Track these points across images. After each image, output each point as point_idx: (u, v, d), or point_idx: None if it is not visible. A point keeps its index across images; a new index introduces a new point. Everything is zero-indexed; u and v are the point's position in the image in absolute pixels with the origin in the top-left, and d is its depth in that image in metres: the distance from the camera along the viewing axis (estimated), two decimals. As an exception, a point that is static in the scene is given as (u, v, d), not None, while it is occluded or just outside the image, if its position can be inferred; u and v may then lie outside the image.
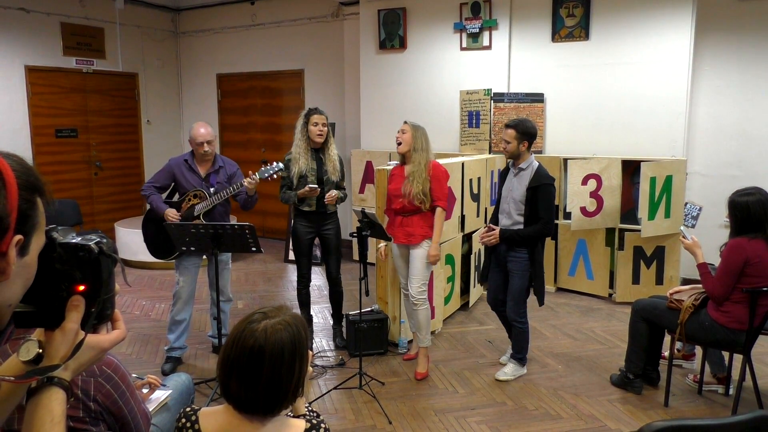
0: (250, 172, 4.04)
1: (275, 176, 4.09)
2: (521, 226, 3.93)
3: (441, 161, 4.38)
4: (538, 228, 3.85)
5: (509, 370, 4.09)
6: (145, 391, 2.42)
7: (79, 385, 1.80)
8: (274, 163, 4.09)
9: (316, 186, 4.21)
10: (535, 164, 3.94)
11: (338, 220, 4.59)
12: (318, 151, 4.38)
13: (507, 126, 3.95)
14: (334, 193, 4.31)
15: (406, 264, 4.21)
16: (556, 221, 5.93)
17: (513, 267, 3.97)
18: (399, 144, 4.04)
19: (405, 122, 4.10)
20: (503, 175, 4.17)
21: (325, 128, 4.32)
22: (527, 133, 3.88)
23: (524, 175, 3.93)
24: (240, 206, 4.27)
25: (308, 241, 4.48)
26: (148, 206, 4.26)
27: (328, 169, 4.35)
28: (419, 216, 4.03)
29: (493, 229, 4.00)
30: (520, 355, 4.13)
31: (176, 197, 4.26)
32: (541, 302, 4.01)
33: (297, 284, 4.59)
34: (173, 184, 4.25)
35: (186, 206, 4.15)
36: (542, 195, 3.83)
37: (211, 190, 4.12)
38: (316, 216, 4.42)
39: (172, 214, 4.06)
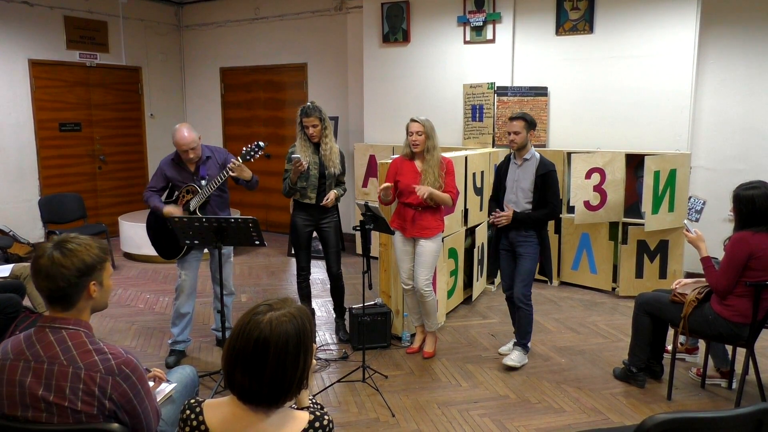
0: (233, 159, 4.01)
1: (258, 156, 4.01)
2: None
3: (444, 155, 4.38)
4: (547, 212, 4.04)
5: (516, 357, 4.14)
6: (150, 384, 2.43)
7: (97, 382, 1.81)
8: (255, 143, 4.00)
9: (299, 156, 4.16)
10: (537, 154, 4.09)
11: (338, 214, 4.58)
12: (318, 145, 4.37)
13: (514, 118, 4.04)
14: (331, 196, 4.33)
15: (410, 258, 4.24)
16: (560, 215, 5.94)
17: (523, 250, 4.07)
18: (415, 146, 4.07)
19: (415, 120, 4.09)
20: (502, 167, 4.24)
21: (317, 128, 4.28)
22: (533, 123, 4.08)
23: (529, 165, 4.05)
24: (245, 188, 4.25)
25: (307, 234, 4.48)
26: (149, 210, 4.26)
27: (326, 163, 4.35)
28: (432, 210, 4.15)
29: (504, 211, 4.09)
30: (524, 341, 4.20)
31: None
32: (550, 280, 4.39)
33: (297, 277, 4.60)
34: (170, 184, 4.24)
35: (181, 203, 4.14)
36: (550, 181, 4.01)
37: (202, 182, 4.09)
38: (315, 209, 4.41)
39: (172, 210, 4.05)
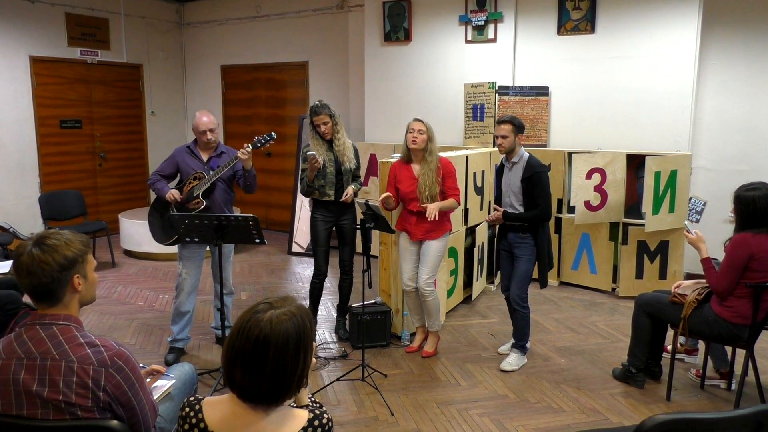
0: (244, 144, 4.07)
1: (267, 145, 4.10)
2: None
3: (445, 154, 4.38)
4: (536, 213, 4.02)
5: (513, 360, 4.13)
6: (148, 380, 2.43)
7: (90, 374, 1.81)
8: (267, 134, 4.11)
9: (314, 153, 4.20)
10: (526, 155, 4.08)
11: (355, 210, 4.59)
12: (331, 142, 4.39)
13: (501, 122, 4.04)
14: (350, 191, 4.33)
15: (413, 258, 4.24)
16: (561, 215, 5.94)
17: (519, 252, 4.09)
18: (414, 143, 4.05)
19: (419, 120, 4.10)
20: (499, 170, 4.26)
21: (328, 125, 4.31)
22: (521, 126, 4.06)
23: (517, 168, 4.07)
24: (243, 190, 4.27)
25: (326, 232, 4.47)
26: (154, 195, 4.30)
27: (341, 158, 4.35)
28: None
29: (498, 210, 4.14)
30: (522, 342, 4.19)
31: None
32: (543, 285, 4.24)
33: (312, 276, 4.56)
34: (179, 173, 4.27)
35: (187, 189, 4.16)
36: (536, 183, 3.99)
37: (211, 173, 4.13)
38: (335, 206, 4.41)
39: (175, 194, 4.09)
